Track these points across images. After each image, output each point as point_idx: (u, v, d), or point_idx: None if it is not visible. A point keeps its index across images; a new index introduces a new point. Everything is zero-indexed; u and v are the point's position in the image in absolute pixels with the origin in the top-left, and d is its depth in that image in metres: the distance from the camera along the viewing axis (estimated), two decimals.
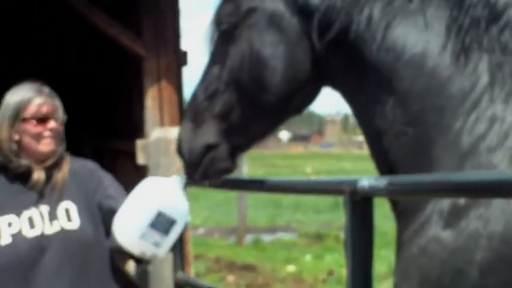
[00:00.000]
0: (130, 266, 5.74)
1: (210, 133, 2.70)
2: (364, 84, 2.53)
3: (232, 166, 2.76)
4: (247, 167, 15.70)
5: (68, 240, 3.36)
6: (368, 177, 2.13)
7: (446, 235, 2.22)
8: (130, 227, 2.97)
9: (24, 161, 3.41)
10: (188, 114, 2.78)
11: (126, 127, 8.11)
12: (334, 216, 19.55)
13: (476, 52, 2.37)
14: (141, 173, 4.88)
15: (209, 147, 2.71)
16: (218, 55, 2.73)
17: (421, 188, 1.99)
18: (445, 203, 2.25)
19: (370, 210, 2.19)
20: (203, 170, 2.75)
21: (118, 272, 3.52)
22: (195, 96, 2.78)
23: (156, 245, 2.95)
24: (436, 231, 2.24)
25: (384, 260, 9.37)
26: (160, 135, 4.17)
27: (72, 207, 3.42)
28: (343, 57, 2.56)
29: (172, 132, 4.19)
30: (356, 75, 2.55)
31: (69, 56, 9.94)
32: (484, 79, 2.34)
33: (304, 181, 2.63)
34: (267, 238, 15.83)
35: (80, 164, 3.59)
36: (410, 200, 2.39)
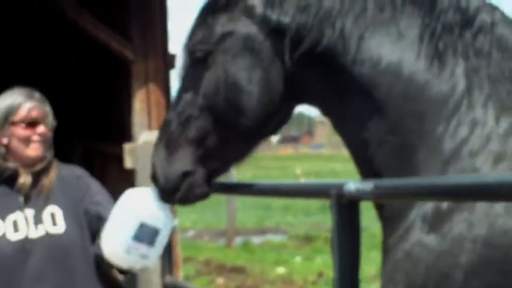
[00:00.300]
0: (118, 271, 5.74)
1: (185, 160, 2.67)
2: (342, 96, 2.53)
3: (209, 191, 2.75)
4: (237, 169, 15.68)
5: (52, 244, 3.35)
6: (354, 181, 2.14)
7: (430, 239, 2.23)
8: (114, 243, 2.96)
9: (11, 165, 3.40)
10: (161, 141, 2.75)
11: (115, 130, 8.11)
12: (324, 218, 19.53)
13: (452, 57, 2.39)
14: (131, 176, 4.88)
15: (186, 174, 2.68)
16: (191, 80, 2.70)
17: (406, 191, 2.01)
18: (428, 208, 2.27)
19: (357, 213, 2.19)
20: (181, 197, 2.74)
21: (104, 277, 3.52)
22: (167, 122, 2.74)
23: (143, 257, 2.94)
24: (420, 235, 2.26)
25: (373, 262, 9.36)
26: (148, 139, 4.17)
27: (58, 212, 3.42)
28: (318, 72, 2.56)
29: None
30: (332, 89, 2.56)
31: (59, 58, 9.92)
32: (462, 84, 2.36)
33: (290, 185, 2.64)
34: (256, 240, 15.83)
35: (68, 170, 3.59)
36: (395, 205, 2.40)
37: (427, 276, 2.21)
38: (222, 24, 2.63)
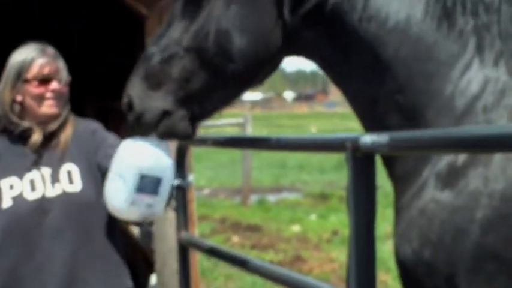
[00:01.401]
0: (134, 227, 5.77)
1: (166, 98, 2.58)
2: (347, 55, 2.49)
3: (191, 132, 2.66)
4: (252, 127, 15.69)
5: (69, 203, 3.35)
6: (370, 134, 2.11)
7: (445, 195, 2.21)
8: (118, 199, 2.94)
9: (25, 123, 3.39)
10: (140, 71, 2.64)
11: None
12: (339, 176, 19.59)
13: (461, 15, 2.34)
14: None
15: (165, 113, 2.60)
16: (181, 18, 2.60)
17: (422, 143, 1.98)
18: (442, 165, 2.25)
19: (373, 166, 2.17)
20: (160, 135, 2.67)
21: (121, 234, 3.53)
22: (148, 56, 2.63)
23: (149, 206, 2.93)
24: (434, 192, 2.24)
25: (388, 220, 9.33)
26: None
27: (75, 170, 3.41)
28: (322, 30, 2.50)
29: None
30: (337, 47, 2.51)
31: (71, 15, 9.88)
32: (472, 42, 2.32)
33: (306, 138, 2.61)
34: (271, 198, 15.89)
35: (84, 124, 3.56)
36: (408, 164, 2.38)
37: (443, 232, 2.20)
38: None
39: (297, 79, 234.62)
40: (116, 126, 9.19)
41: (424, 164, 2.32)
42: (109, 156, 3.43)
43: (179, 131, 2.62)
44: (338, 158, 21.87)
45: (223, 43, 2.51)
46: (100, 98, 9.66)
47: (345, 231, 11.42)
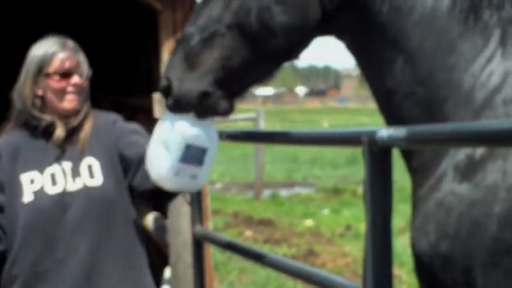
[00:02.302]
0: (149, 221, 5.77)
1: (206, 79, 2.55)
2: (372, 42, 2.49)
3: (229, 109, 2.63)
4: (264, 122, 15.68)
5: (90, 197, 3.34)
6: (387, 128, 2.11)
7: (463, 188, 2.20)
8: (163, 168, 2.84)
9: (47, 117, 3.38)
10: (180, 52, 2.60)
11: (143, 83, 8.08)
12: (352, 171, 19.57)
13: (486, 9, 2.33)
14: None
15: (204, 95, 2.57)
16: None
17: (440, 137, 1.97)
18: (461, 157, 2.24)
19: (389, 160, 2.16)
20: (199, 115, 2.65)
21: (141, 230, 3.53)
22: (187, 36, 2.59)
23: (193, 177, 2.85)
24: (452, 185, 2.23)
25: (401, 215, 9.36)
26: None
27: (95, 164, 3.40)
28: (352, 15, 2.52)
29: None
30: (364, 33, 2.51)
31: (85, 10, 9.89)
32: (496, 35, 2.31)
33: (322, 132, 2.61)
34: (284, 193, 15.89)
35: (104, 117, 3.55)
36: (425, 156, 2.37)
37: (459, 225, 2.19)
38: None
39: (309, 74, 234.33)
40: (129, 121, 9.22)
41: (442, 156, 2.31)
42: (132, 144, 3.41)
43: (218, 110, 2.61)
44: (351, 152, 21.84)
45: (266, 18, 2.51)
46: (113, 94, 9.68)
47: (358, 225, 11.41)
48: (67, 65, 3.37)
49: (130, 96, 8.79)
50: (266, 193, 15.38)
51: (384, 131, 2.11)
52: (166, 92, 2.62)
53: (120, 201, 3.39)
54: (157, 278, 5.78)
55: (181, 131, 2.75)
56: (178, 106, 2.62)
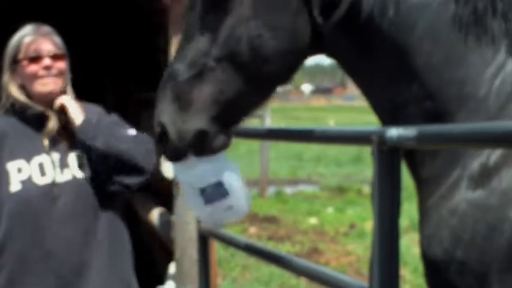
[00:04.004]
0: (154, 216, 5.78)
1: (201, 117, 2.44)
2: (373, 61, 2.42)
3: (227, 143, 2.54)
4: (270, 119, 15.68)
5: (80, 188, 3.33)
6: (397, 127, 2.09)
7: (478, 195, 2.18)
8: (201, 214, 2.87)
9: (37, 106, 3.33)
10: (168, 94, 2.47)
11: (151, 77, 8.07)
12: (356, 170, 19.56)
13: (492, 19, 2.31)
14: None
15: (202, 134, 2.46)
16: (201, 30, 2.45)
17: (451, 137, 1.96)
18: (475, 167, 2.22)
19: (398, 160, 2.15)
20: (197, 154, 2.53)
21: (128, 221, 3.52)
22: (174, 73, 2.47)
23: (229, 208, 2.76)
24: (466, 193, 2.21)
25: (405, 214, 9.31)
26: None
27: (84, 156, 3.38)
28: (349, 34, 2.43)
29: None
30: (362, 52, 2.43)
31: (94, 3, 9.88)
32: (504, 45, 2.29)
33: (331, 130, 2.59)
34: (288, 190, 15.89)
35: (89, 109, 3.49)
36: (435, 166, 2.33)
37: (475, 231, 2.17)
38: None
39: (315, 72, 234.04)
40: (136, 116, 9.21)
41: (452, 166, 2.28)
42: (118, 138, 3.38)
43: (216, 147, 2.52)
44: (355, 151, 21.83)
45: (257, 45, 2.41)
46: (121, 88, 9.68)
47: (362, 224, 11.41)
48: (34, 48, 3.29)
49: (138, 91, 8.79)
50: (270, 190, 15.39)
51: (394, 131, 2.09)
52: (162, 138, 2.51)
53: (108, 193, 3.37)
54: (161, 273, 5.79)
55: (188, 181, 2.72)
56: (176, 152, 2.52)
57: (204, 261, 3.71)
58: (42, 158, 3.33)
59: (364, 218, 11.82)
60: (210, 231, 3.72)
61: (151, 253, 8.36)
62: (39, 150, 3.34)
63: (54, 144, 3.37)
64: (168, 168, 4.44)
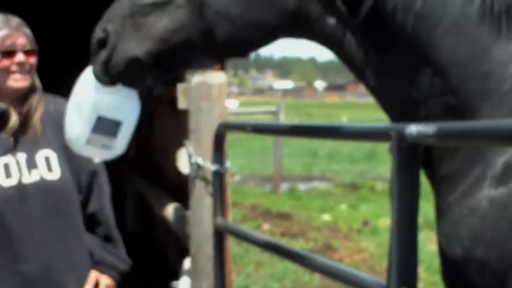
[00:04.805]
0: (169, 212, 5.78)
1: (143, 46, 2.36)
2: (393, 55, 2.35)
3: (155, 86, 2.47)
4: (284, 116, 15.67)
5: (48, 190, 3.24)
6: (416, 124, 2.08)
7: (499, 193, 2.16)
8: (75, 133, 2.71)
9: (1, 104, 3.23)
10: (126, 8, 2.39)
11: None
12: (370, 166, 19.53)
13: None
14: (182, 118, 4.87)
15: (135, 61, 2.38)
16: None
17: (472, 134, 1.94)
18: (498, 165, 2.19)
19: (418, 157, 2.14)
20: (123, 81, 2.46)
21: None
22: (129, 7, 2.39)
23: (106, 147, 2.70)
24: (487, 191, 2.18)
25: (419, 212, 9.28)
26: (202, 80, 4.15)
27: (52, 156, 3.29)
28: (368, 28, 2.36)
29: (213, 77, 4.17)
30: (382, 47, 2.36)
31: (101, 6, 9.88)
32: None
33: (350, 126, 2.57)
34: (302, 187, 15.88)
35: (55, 104, 3.38)
36: (453, 164, 2.30)
37: (496, 230, 2.15)
38: None
39: (328, 69, 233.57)
40: (153, 110, 9.21)
41: (474, 163, 2.25)
42: (79, 164, 3.32)
43: (144, 81, 2.44)
44: (369, 147, 21.79)
45: (229, 5, 2.33)
46: None
47: (376, 221, 11.38)
48: (8, 42, 3.19)
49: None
50: (284, 187, 15.38)
51: (413, 127, 2.07)
52: (100, 45, 2.41)
53: (76, 196, 3.32)
54: (175, 269, 5.79)
55: (95, 101, 2.60)
56: (105, 68, 2.43)
57: (219, 257, 3.71)
58: (7, 158, 3.23)
59: (378, 215, 11.80)
60: (225, 227, 3.72)
61: (165, 248, 8.38)
62: (2, 151, 3.24)
63: (19, 143, 3.26)
64: (183, 164, 4.44)
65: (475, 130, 1.92)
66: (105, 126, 2.64)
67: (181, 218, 5.13)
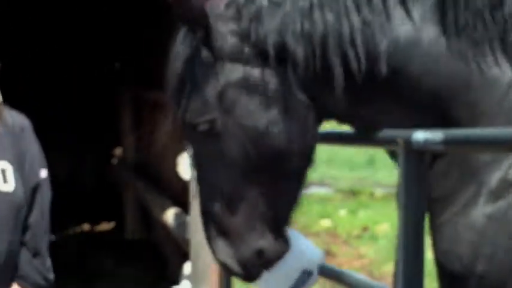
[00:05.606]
0: (169, 216, 5.77)
1: (250, 239, 2.42)
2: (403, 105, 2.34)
3: (288, 247, 2.53)
4: None
5: (2, 202, 3.20)
6: (424, 130, 2.07)
7: (497, 208, 2.16)
8: None
9: None
10: (210, 233, 2.46)
11: (164, 78, 8.07)
12: (369, 173, 19.51)
13: (486, 41, 2.26)
14: (179, 125, 4.86)
15: (260, 252, 2.44)
16: (207, 159, 2.42)
17: (479, 141, 1.93)
18: (493, 182, 2.18)
19: (425, 164, 2.13)
20: (267, 267, 2.50)
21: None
22: (206, 212, 2.47)
23: (311, 278, 2.70)
24: (484, 208, 2.17)
25: None
26: None
27: (9, 168, 3.25)
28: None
29: None
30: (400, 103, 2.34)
31: (106, 7, 9.89)
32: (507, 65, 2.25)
33: (355, 132, 2.55)
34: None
35: (14, 118, 3.35)
36: (446, 186, 2.28)
37: (495, 246, 2.14)
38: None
39: None
40: (150, 116, 9.22)
41: (466, 183, 2.24)
42: (31, 170, 3.33)
43: (279, 254, 2.50)
44: (369, 153, 21.78)
45: (269, 149, 2.37)
46: (135, 89, 9.69)
47: (375, 227, 11.37)
48: None
49: (151, 91, 8.77)
50: None
51: (420, 134, 2.07)
52: (233, 273, 2.53)
53: (24, 210, 3.30)
54: (175, 274, 5.78)
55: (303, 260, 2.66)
56: (249, 276, 2.52)
57: None
58: None
59: (377, 220, 11.79)
60: None
61: (165, 253, 8.37)
62: None
63: None
64: (184, 169, 4.43)
65: (482, 137, 1.91)
66: (300, 283, 2.66)
67: (181, 224, 5.12)
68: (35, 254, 3.40)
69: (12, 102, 3.37)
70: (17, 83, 9.86)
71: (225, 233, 2.43)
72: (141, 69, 9.77)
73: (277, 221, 2.48)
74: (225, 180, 2.39)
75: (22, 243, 3.35)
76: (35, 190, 3.37)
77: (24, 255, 3.37)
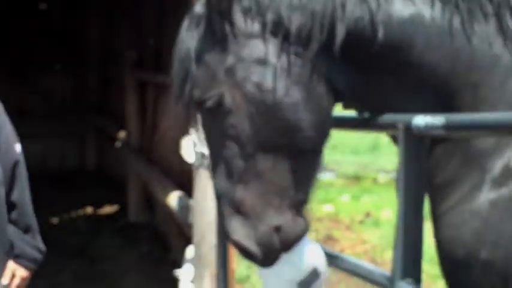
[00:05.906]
0: (172, 200, 5.78)
1: (268, 215, 2.38)
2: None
3: (307, 225, 2.52)
4: None
5: None
6: (424, 115, 2.07)
7: (501, 195, 2.16)
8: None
9: None
10: (227, 211, 2.42)
11: (170, 61, 8.07)
12: (373, 158, 19.49)
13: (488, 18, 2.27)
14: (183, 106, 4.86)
15: (277, 229, 2.41)
16: (217, 134, 2.40)
17: (480, 125, 1.93)
18: (497, 169, 2.19)
19: (424, 148, 2.14)
20: (284, 249, 2.47)
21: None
22: (221, 191, 2.43)
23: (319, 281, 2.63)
24: (488, 194, 2.18)
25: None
26: None
27: None
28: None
29: None
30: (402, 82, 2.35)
31: None
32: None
33: (356, 118, 2.55)
34: None
35: None
36: (447, 173, 2.28)
37: (500, 232, 2.15)
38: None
39: None
40: (154, 98, 9.22)
41: (468, 171, 2.24)
42: (8, 147, 3.37)
43: (299, 233, 2.49)
44: (373, 139, 21.77)
45: (284, 122, 2.34)
46: (139, 72, 9.68)
47: (378, 213, 11.38)
48: None
49: (156, 74, 8.77)
50: None
51: (421, 119, 2.07)
52: (249, 255, 2.46)
53: (3, 188, 3.34)
54: (177, 258, 5.81)
55: (284, 278, 2.58)
56: (267, 259, 2.46)
57: (223, 246, 3.71)
58: None
59: (380, 206, 11.79)
60: None
61: (168, 237, 8.39)
62: None
63: None
64: (188, 153, 4.44)
65: (483, 121, 1.91)
66: (308, 281, 2.60)
67: (184, 207, 5.13)
68: (26, 230, 3.45)
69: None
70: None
71: (241, 211, 2.40)
72: (144, 53, 9.76)
73: (295, 199, 2.44)
74: (238, 157, 2.37)
75: (11, 221, 3.38)
76: (14, 166, 3.40)
77: (16, 233, 3.40)
